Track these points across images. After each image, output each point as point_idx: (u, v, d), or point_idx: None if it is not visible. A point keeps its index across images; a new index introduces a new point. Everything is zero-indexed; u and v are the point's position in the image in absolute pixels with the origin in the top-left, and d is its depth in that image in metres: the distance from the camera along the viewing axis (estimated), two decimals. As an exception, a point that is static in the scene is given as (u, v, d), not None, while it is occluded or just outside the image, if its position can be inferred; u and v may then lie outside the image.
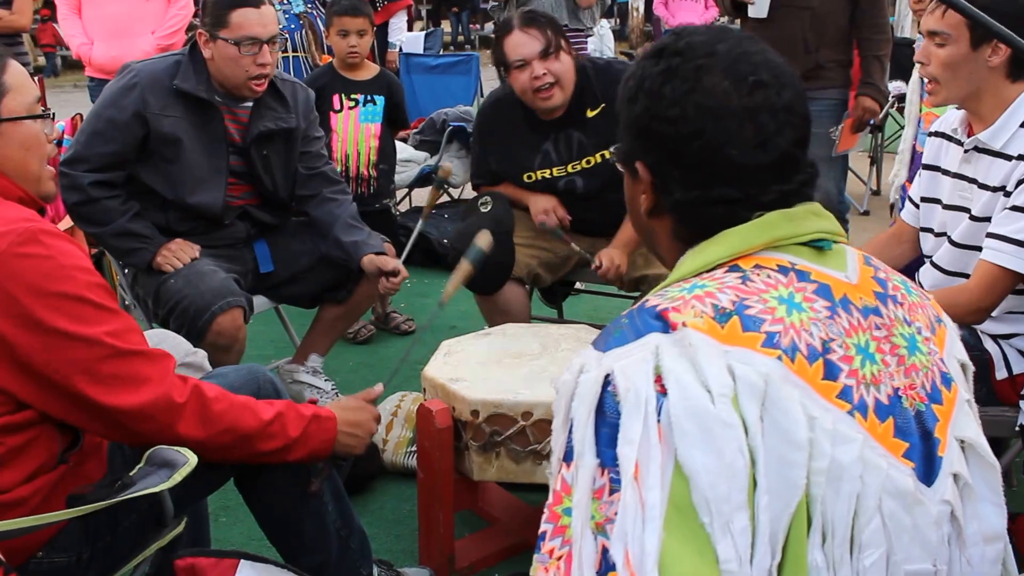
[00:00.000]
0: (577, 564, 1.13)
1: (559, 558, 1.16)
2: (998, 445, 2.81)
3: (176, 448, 1.81)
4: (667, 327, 1.17)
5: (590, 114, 3.40)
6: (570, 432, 1.18)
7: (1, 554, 1.66)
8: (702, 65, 1.28)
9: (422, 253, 5.40)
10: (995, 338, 2.49)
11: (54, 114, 1.99)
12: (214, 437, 1.89)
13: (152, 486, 1.73)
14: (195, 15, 5.65)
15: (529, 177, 3.53)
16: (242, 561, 1.86)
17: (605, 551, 1.11)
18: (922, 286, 2.61)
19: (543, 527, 1.20)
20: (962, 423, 1.29)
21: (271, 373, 2.27)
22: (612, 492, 1.12)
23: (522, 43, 3.28)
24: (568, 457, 1.18)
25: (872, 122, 4.26)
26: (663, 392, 1.12)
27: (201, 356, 2.61)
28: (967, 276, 2.45)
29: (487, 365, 2.66)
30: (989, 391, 2.49)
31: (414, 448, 3.13)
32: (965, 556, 1.26)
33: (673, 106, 1.28)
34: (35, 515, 1.71)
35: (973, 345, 2.49)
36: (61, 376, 1.72)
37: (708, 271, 1.27)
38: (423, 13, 20.12)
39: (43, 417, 1.77)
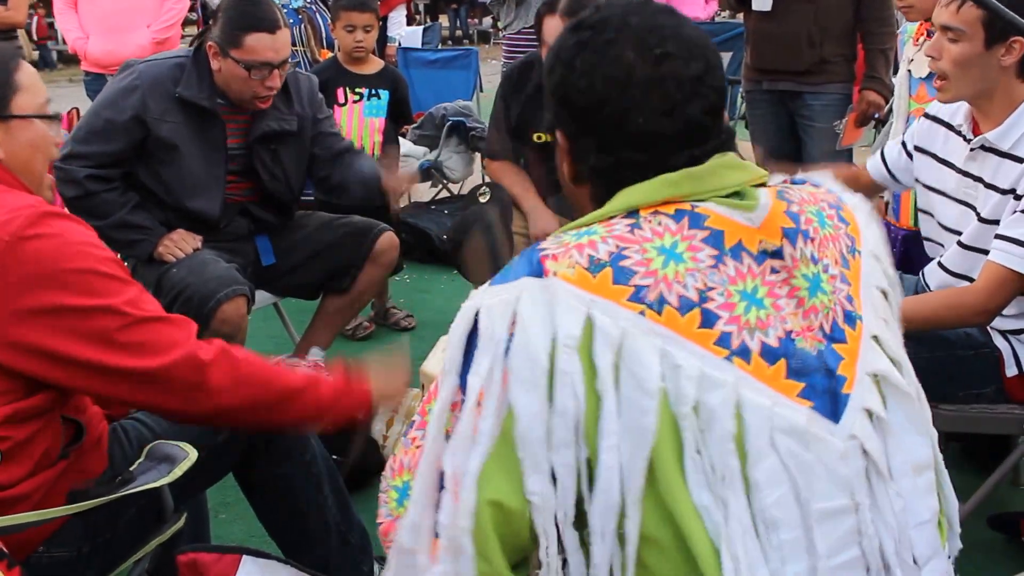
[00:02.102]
0: (426, 460, 1.30)
1: (417, 447, 1.36)
2: (1006, 443, 2.79)
3: (176, 443, 1.81)
4: (540, 273, 1.27)
5: None
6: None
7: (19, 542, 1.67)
8: (612, 39, 1.35)
9: (422, 249, 5.38)
10: (1005, 334, 2.47)
11: (62, 116, 2.01)
12: (247, 397, 1.87)
13: (152, 481, 1.73)
14: (191, 10, 5.62)
15: (539, 137, 3.63)
16: (245, 556, 1.86)
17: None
18: (928, 285, 2.60)
19: (415, 417, 1.42)
20: (871, 358, 1.32)
21: None
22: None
23: (557, 29, 3.29)
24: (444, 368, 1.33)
25: (876, 116, 4.24)
26: (512, 335, 1.24)
27: None
28: (971, 279, 2.43)
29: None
30: (999, 389, 2.47)
31: (415, 444, 3.11)
32: (892, 489, 1.29)
33: (583, 77, 1.36)
34: (36, 511, 1.70)
35: (983, 342, 2.47)
36: (85, 350, 1.72)
37: (608, 219, 1.33)
38: (420, 8, 20.11)
39: (52, 404, 1.77)
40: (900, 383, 1.33)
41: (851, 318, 1.34)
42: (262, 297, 3.43)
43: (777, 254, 1.31)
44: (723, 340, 1.24)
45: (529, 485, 1.22)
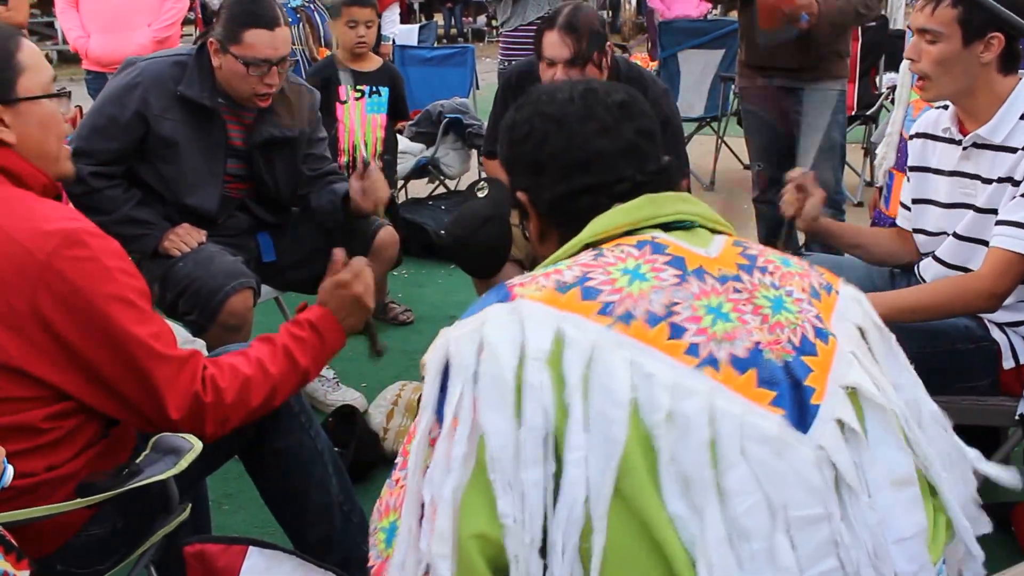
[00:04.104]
0: (409, 496, 1.33)
1: (401, 487, 1.38)
2: (997, 434, 2.82)
3: (181, 435, 1.83)
4: (507, 299, 1.33)
5: None
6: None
7: (45, 531, 1.72)
8: (540, 95, 1.59)
9: (418, 244, 5.40)
10: (1002, 327, 2.48)
11: (70, 92, 1.98)
12: (239, 419, 1.96)
13: (159, 473, 1.75)
14: (189, 9, 5.64)
15: None
16: (251, 547, 1.88)
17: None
18: (923, 279, 2.61)
19: (398, 459, 1.46)
20: (844, 372, 1.34)
21: None
22: None
23: (555, 44, 3.31)
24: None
25: (867, 113, 4.27)
26: (480, 361, 1.27)
27: (199, 345, 2.61)
28: (967, 270, 2.44)
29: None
30: (994, 382, 2.48)
31: (415, 437, 3.13)
32: (863, 501, 1.28)
33: (523, 124, 1.57)
34: (43, 506, 1.72)
35: (981, 336, 2.48)
36: (108, 372, 1.78)
37: (574, 254, 1.43)
38: (415, 6, 20.10)
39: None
40: (875, 396, 1.34)
41: (823, 334, 1.36)
42: (263, 291, 3.44)
43: (736, 279, 1.38)
44: (692, 350, 1.27)
45: (500, 507, 1.22)
